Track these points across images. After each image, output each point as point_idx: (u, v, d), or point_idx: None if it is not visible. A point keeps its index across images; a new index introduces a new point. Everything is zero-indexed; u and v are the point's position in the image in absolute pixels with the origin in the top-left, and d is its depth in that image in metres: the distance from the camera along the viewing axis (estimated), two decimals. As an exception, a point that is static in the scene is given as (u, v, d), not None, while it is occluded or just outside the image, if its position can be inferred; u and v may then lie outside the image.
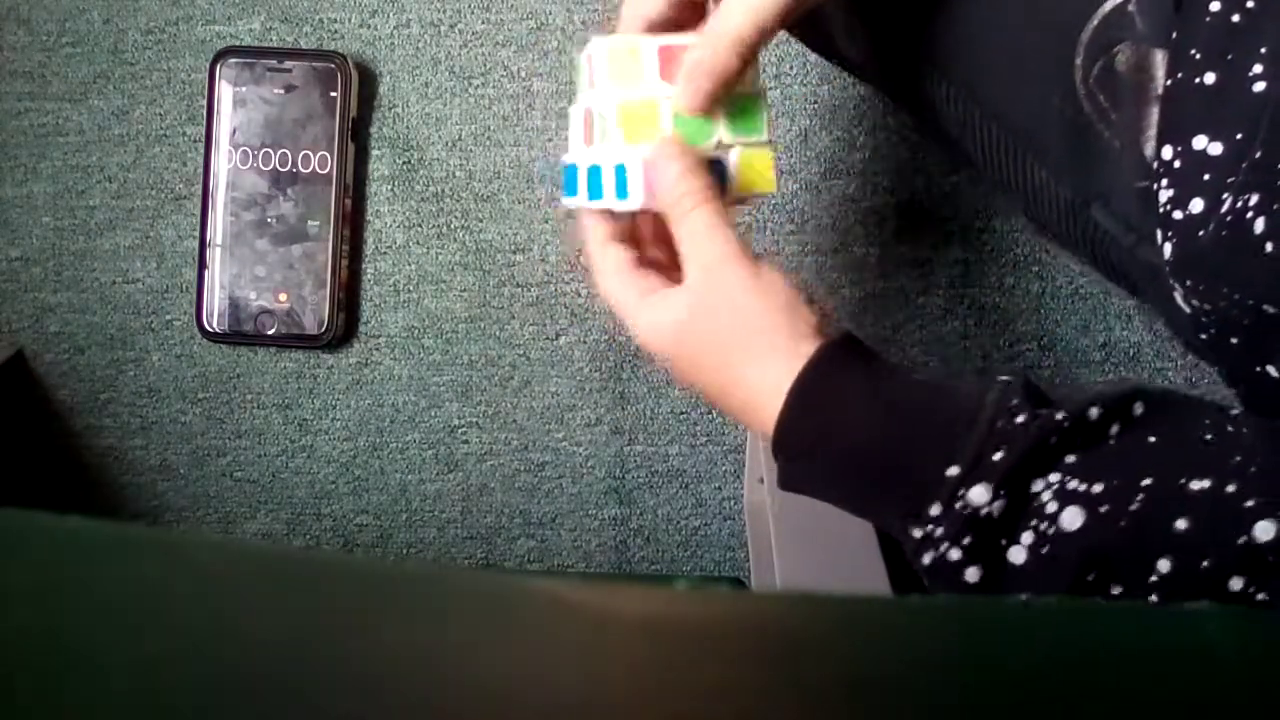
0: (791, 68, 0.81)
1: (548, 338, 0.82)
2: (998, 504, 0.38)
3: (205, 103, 0.81)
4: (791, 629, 0.26)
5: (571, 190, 0.50)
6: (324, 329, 0.81)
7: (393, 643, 0.23)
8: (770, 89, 0.81)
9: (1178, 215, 0.41)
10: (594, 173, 0.48)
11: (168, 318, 0.83)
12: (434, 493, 0.83)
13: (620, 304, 0.48)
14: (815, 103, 0.81)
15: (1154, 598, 0.37)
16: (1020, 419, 0.39)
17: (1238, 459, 0.37)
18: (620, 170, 0.47)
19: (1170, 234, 0.41)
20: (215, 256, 0.81)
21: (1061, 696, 0.23)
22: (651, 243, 0.51)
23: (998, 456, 0.38)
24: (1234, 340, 0.42)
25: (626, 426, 0.82)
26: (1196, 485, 0.37)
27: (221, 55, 0.81)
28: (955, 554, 0.39)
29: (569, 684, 0.22)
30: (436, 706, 0.20)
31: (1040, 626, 0.27)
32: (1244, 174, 0.38)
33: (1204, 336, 0.43)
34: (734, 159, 0.48)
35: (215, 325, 0.81)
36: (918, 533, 0.40)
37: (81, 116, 0.83)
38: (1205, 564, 0.36)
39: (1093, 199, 0.48)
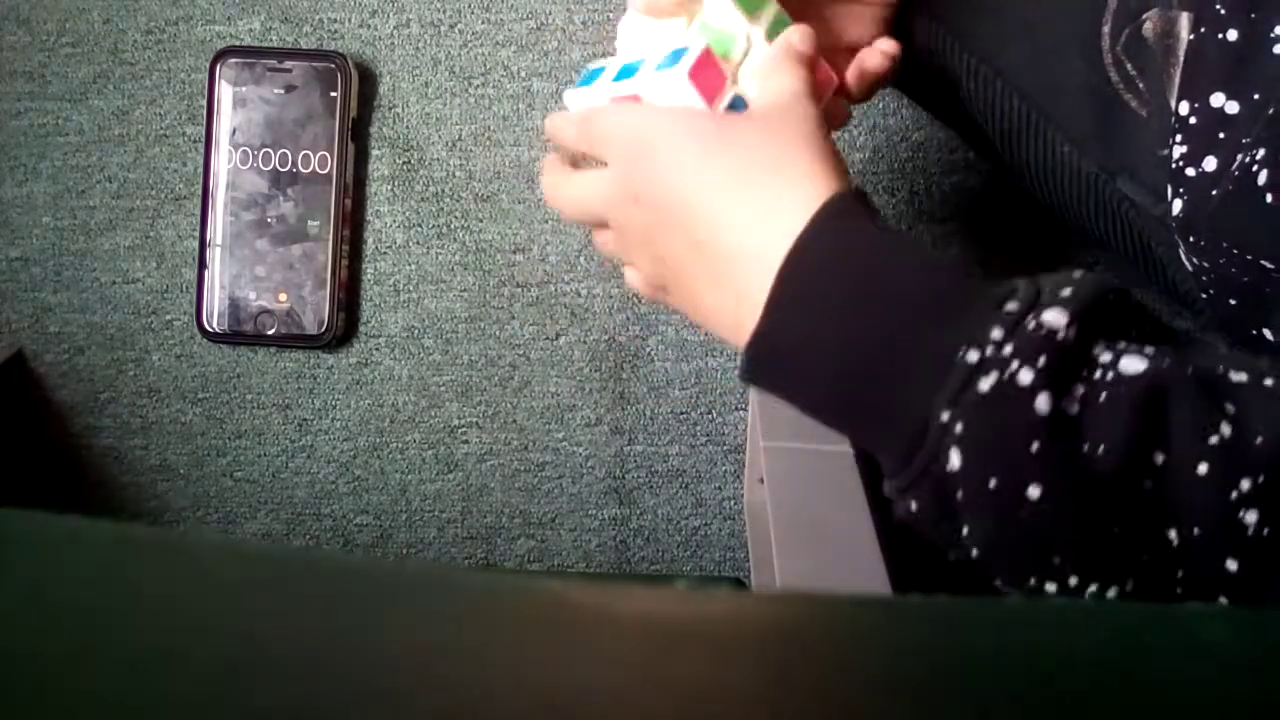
0: (791, 68, 0.81)
1: (548, 338, 0.82)
2: (1071, 332, 0.33)
3: (205, 103, 0.81)
4: (791, 629, 0.26)
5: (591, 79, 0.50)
6: (324, 329, 0.81)
7: (392, 643, 0.23)
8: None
9: (1190, 172, 0.40)
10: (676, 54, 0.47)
11: (168, 318, 0.83)
12: (434, 493, 0.83)
13: (573, 188, 0.47)
14: (815, 103, 0.81)
15: (1203, 467, 0.33)
16: (1084, 275, 0.36)
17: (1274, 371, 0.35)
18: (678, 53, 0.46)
19: (1181, 190, 0.41)
20: (215, 256, 0.81)
21: (1062, 696, 0.23)
22: None
23: (1066, 292, 0.34)
24: (1232, 301, 0.41)
25: (626, 426, 0.82)
26: (1236, 377, 0.34)
27: (221, 55, 0.81)
28: (1027, 375, 0.32)
29: (568, 684, 0.22)
30: (435, 707, 0.20)
31: (1040, 626, 0.27)
32: (1256, 130, 0.38)
33: (1205, 296, 0.43)
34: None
35: (215, 325, 0.81)
36: (974, 356, 0.33)
37: (81, 116, 0.83)
38: (1259, 441, 0.32)
39: (1118, 171, 0.47)
